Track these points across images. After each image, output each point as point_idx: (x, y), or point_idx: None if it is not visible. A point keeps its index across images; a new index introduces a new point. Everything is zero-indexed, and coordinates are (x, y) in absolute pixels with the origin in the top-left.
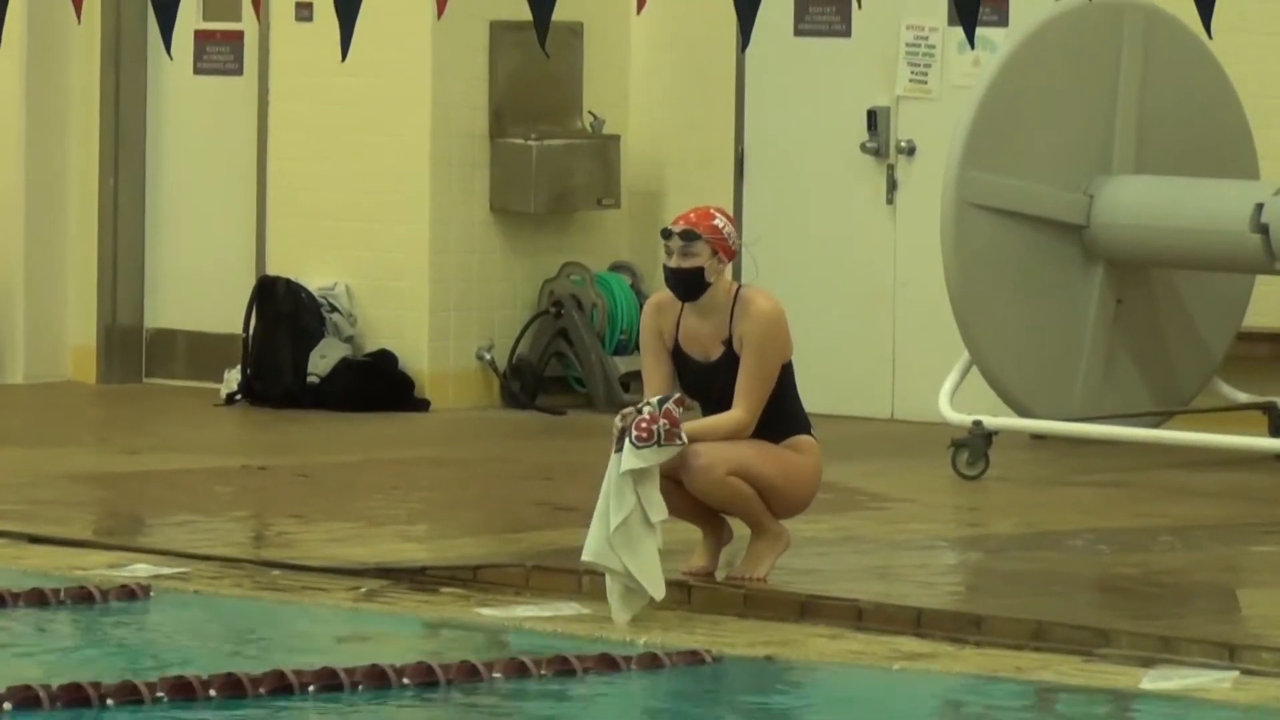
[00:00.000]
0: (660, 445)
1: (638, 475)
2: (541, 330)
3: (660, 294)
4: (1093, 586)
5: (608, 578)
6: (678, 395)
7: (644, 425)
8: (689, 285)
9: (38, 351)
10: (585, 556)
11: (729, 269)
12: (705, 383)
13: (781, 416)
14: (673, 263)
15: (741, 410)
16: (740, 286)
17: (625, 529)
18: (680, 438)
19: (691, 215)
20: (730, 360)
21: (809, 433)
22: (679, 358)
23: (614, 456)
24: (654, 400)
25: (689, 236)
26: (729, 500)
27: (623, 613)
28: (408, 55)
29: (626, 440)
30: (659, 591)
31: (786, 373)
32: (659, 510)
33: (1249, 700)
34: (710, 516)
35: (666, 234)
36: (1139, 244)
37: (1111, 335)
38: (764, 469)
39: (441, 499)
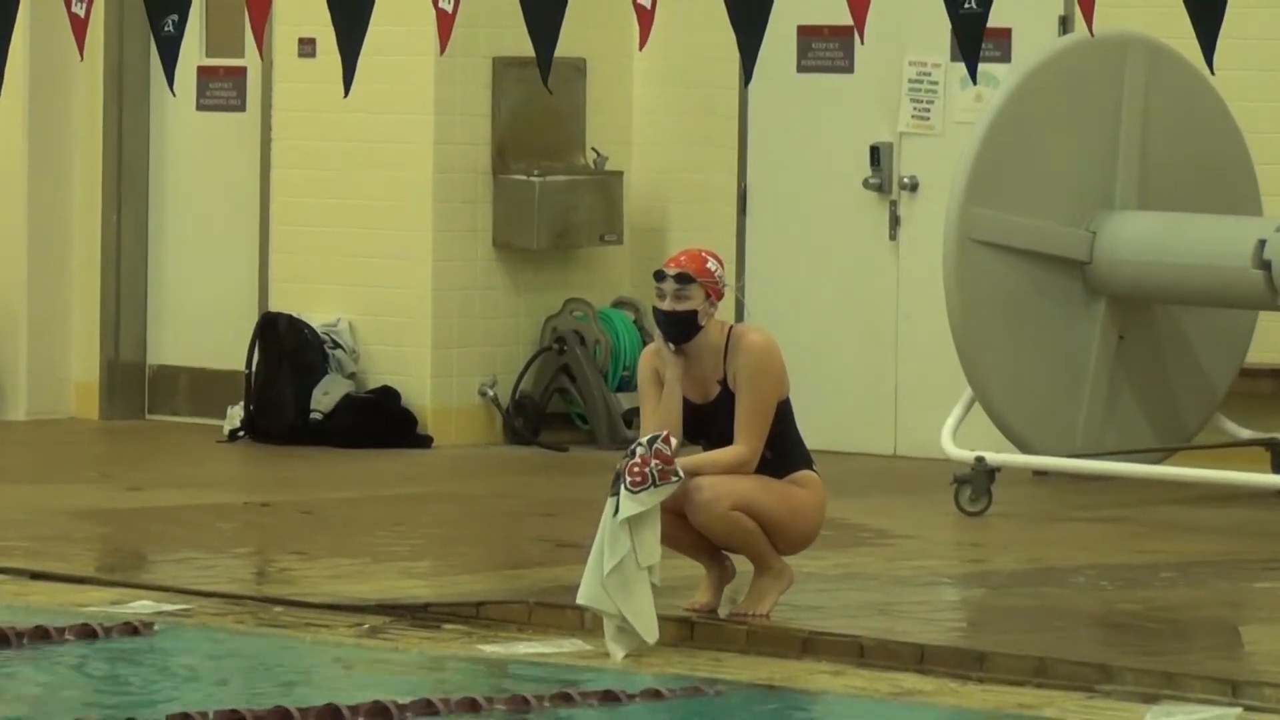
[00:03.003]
0: (656, 486)
1: (634, 519)
2: (544, 366)
3: (656, 343)
4: (1095, 623)
5: (605, 619)
6: (665, 433)
7: (636, 469)
8: (682, 328)
9: (40, 388)
10: (579, 600)
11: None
12: (705, 423)
13: (783, 453)
14: (666, 305)
15: (742, 445)
16: (733, 325)
17: (619, 572)
18: (676, 474)
19: (683, 258)
20: (727, 399)
21: (811, 468)
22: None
23: (609, 500)
24: (643, 441)
25: (684, 280)
26: (731, 534)
27: (618, 651)
28: (410, 91)
29: (621, 486)
30: (652, 635)
31: (785, 409)
32: (650, 555)
33: None
34: (713, 553)
35: (660, 276)
36: (1141, 280)
37: (1114, 371)
38: (767, 504)
39: (444, 535)
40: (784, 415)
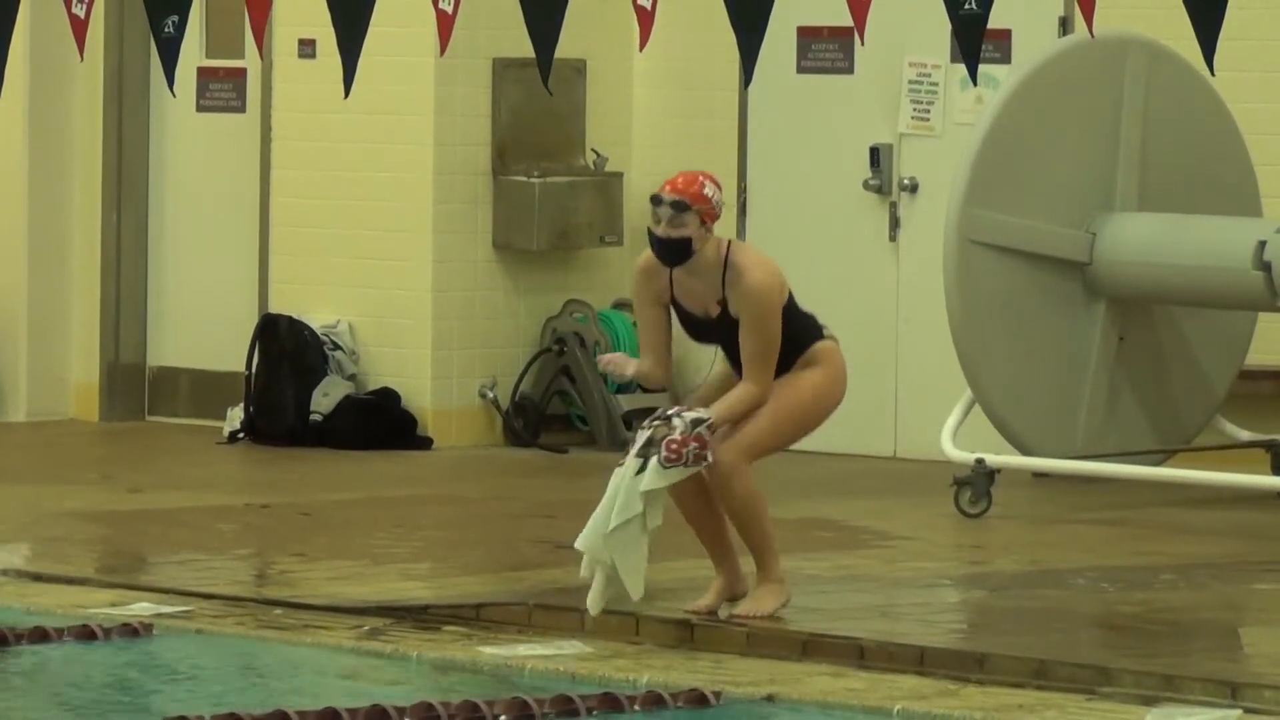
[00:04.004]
0: (687, 466)
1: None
2: (544, 368)
3: (648, 259)
4: (1095, 624)
5: (597, 567)
6: (710, 419)
7: (674, 447)
8: (675, 253)
9: (40, 389)
10: (578, 544)
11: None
12: (707, 334)
13: (792, 342)
14: (660, 231)
15: (753, 385)
16: (730, 247)
17: (624, 530)
18: (707, 458)
19: (680, 182)
20: (728, 320)
21: (822, 337)
22: (678, 309)
23: (630, 459)
24: (687, 418)
25: (680, 207)
26: (745, 517)
27: (598, 604)
28: (411, 92)
29: (654, 459)
30: (638, 592)
31: (790, 307)
32: (658, 517)
33: None
34: (728, 554)
35: (656, 201)
36: (1141, 281)
37: (1114, 373)
38: (784, 428)
39: (444, 537)
40: (790, 315)
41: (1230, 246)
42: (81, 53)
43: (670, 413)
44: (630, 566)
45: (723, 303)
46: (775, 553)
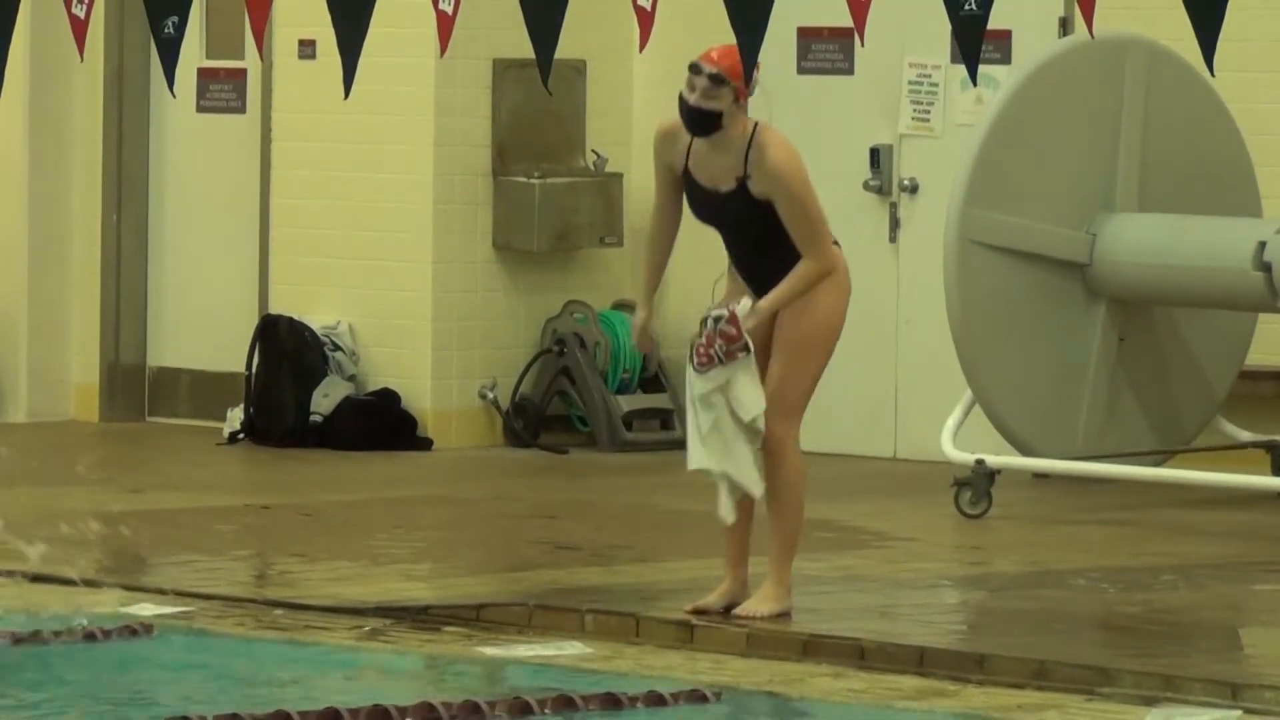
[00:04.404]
0: (723, 365)
1: (729, 381)
2: (544, 369)
3: (670, 122)
4: (1095, 625)
5: (716, 479)
6: (730, 313)
7: (702, 350)
8: (703, 124)
9: (40, 390)
10: (691, 466)
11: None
12: (714, 209)
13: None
14: (693, 100)
15: (810, 260)
16: (756, 126)
17: (717, 433)
18: (745, 348)
19: (718, 54)
20: (743, 195)
21: None
22: (688, 183)
23: (688, 366)
24: (711, 318)
25: (718, 81)
26: (790, 491)
27: (729, 513)
28: (411, 93)
29: (689, 367)
30: (758, 489)
31: None
32: (748, 409)
33: None
34: (742, 555)
35: (695, 69)
36: (1141, 282)
37: (1114, 373)
38: (813, 368)
39: (444, 538)
40: None
41: (1230, 247)
42: (81, 53)
43: (706, 315)
44: (740, 468)
45: (742, 180)
46: (792, 559)
